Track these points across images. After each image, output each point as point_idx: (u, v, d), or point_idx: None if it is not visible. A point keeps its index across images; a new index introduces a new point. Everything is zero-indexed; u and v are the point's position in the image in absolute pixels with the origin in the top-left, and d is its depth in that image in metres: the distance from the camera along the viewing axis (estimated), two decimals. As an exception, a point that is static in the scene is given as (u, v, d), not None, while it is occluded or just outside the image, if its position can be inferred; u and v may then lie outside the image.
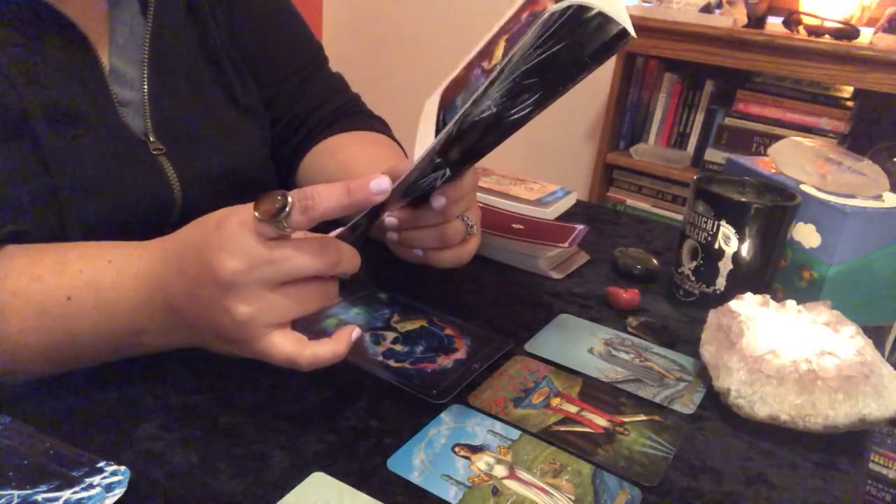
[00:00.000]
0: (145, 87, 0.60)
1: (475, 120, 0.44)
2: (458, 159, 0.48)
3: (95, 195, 0.54)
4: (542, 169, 2.41)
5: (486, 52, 0.49)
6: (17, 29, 0.51)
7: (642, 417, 0.51)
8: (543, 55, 0.39)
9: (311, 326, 0.57)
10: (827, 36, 1.68)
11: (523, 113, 0.43)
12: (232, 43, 0.68)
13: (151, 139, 0.60)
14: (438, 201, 0.52)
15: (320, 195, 0.41)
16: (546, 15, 0.38)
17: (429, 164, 0.47)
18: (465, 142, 0.46)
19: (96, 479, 0.38)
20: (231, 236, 0.41)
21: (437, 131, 0.47)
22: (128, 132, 0.58)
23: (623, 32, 0.39)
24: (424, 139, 0.49)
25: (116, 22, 0.59)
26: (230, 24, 0.68)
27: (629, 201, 2.07)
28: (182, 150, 0.61)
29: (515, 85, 0.41)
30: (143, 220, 0.58)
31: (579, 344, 0.60)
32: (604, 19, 0.38)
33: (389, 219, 0.55)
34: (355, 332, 0.46)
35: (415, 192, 0.51)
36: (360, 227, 0.48)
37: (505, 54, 0.42)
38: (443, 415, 0.49)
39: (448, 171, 0.49)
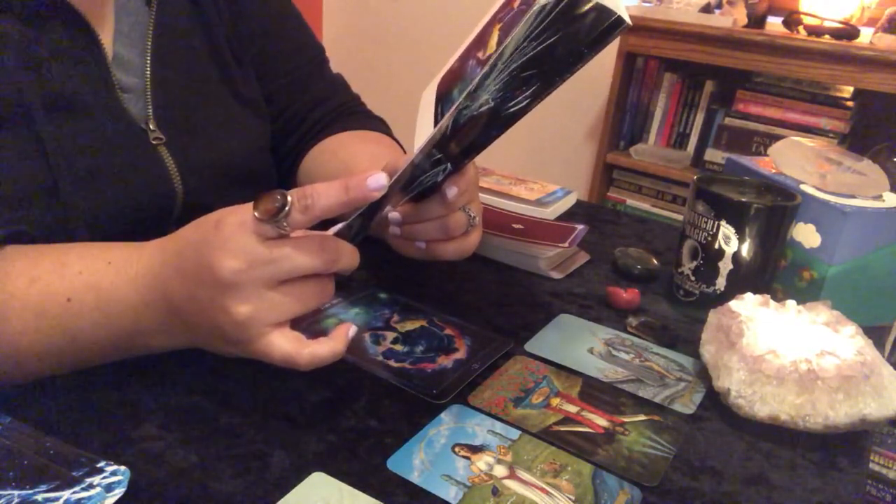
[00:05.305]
0: (148, 73, 0.60)
1: (473, 114, 0.43)
2: (458, 154, 0.48)
3: (94, 185, 0.54)
4: (542, 169, 2.41)
5: (481, 41, 0.49)
6: (18, 15, 0.51)
7: (642, 417, 0.51)
8: (539, 47, 0.39)
9: (310, 327, 0.57)
10: (827, 36, 1.69)
11: (521, 105, 0.43)
12: (234, 35, 0.68)
13: (152, 127, 0.59)
14: (452, 191, 0.52)
15: (319, 194, 0.42)
16: (537, 6, 0.38)
17: (427, 159, 0.47)
18: (464, 136, 0.46)
19: (96, 479, 0.38)
20: (230, 236, 0.41)
21: (436, 123, 0.47)
22: (128, 120, 0.58)
23: (619, 21, 0.39)
24: (423, 131, 0.49)
25: (121, 10, 0.59)
26: (233, 16, 0.68)
27: (629, 201, 2.07)
28: (182, 140, 0.61)
29: (513, 78, 0.41)
30: (146, 212, 0.58)
31: (579, 344, 0.60)
32: (599, 9, 0.38)
33: (393, 214, 0.55)
34: (352, 330, 0.46)
35: (418, 188, 0.51)
36: (357, 225, 0.48)
37: (499, 44, 0.42)
38: (443, 415, 0.49)
39: (449, 166, 0.49)
